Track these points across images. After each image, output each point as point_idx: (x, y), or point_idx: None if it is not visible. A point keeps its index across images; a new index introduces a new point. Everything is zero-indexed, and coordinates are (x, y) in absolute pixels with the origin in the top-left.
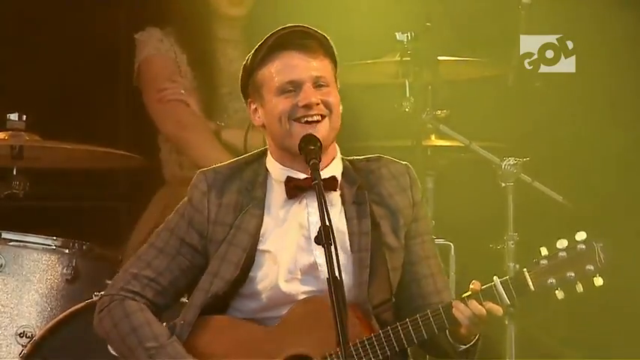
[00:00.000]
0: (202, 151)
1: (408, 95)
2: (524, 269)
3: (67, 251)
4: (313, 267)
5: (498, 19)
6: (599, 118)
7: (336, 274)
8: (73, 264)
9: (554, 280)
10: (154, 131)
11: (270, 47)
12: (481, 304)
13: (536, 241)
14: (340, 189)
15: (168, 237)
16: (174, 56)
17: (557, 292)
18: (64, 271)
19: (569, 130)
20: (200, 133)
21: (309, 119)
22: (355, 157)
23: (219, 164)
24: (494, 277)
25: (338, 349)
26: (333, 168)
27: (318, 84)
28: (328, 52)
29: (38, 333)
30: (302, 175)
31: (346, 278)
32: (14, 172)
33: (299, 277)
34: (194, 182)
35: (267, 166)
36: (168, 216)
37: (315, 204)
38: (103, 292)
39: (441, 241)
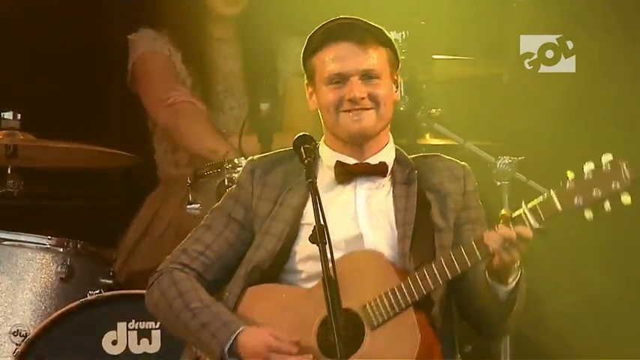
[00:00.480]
0: (201, 139)
1: (402, 94)
2: (551, 190)
3: (61, 250)
4: (358, 238)
5: (493, 17)
6: (596, 118)
7: (331, 273)
8: (67, 263)
9: (581, 200)
10: (147, 130)
11: (323, 36)
12: (511, 229)
13: None
14: (392, 172)
15: (216, 215)
16: (168, 54)
17: (585, 212)
18: (59, 269)
19: (564, 128)
20: (201, 124)
21: (356, 108)
22: (412, 155)
23: (268, 153)
24: (523, 202)
25: (377, 297)
26: (383, 154)
27: (367, 76)
28: (383, 42)
29: (32, 332)
30: (352, 160)
31: (391, 252)
32: (9, 171)
33: (342, 247)
34: (243, 167)
35: (320, 151)
36: (164, 212)
37: (365, 186)
38: (97, 291)
39: None
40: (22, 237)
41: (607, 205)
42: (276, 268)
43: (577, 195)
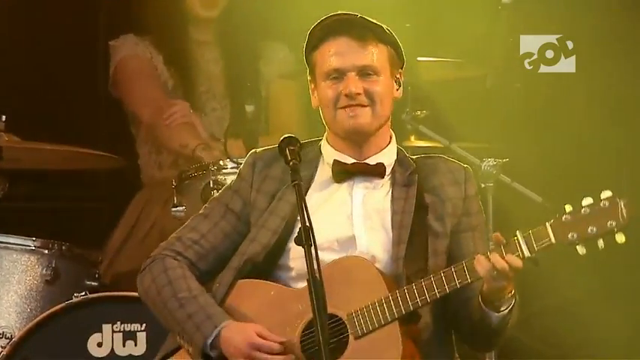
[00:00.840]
0: (173, 135)
1: None
2: (547, 222)
3: (46, 252)
4: (351, 240)
5: (478, 19)
6: (596, 118)
7: (316, 274)
8: (53, 265)
9: (575, 235)
10: (132, 132)
11: (323, 32)
12: (502, 257)
13: None
14: (392, 173)
15: (214, 205)
16: (149, 57)
17: (578, 247)
18: (44, 271)
19: (550, 130)
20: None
21: (352, 104)
22: (417, 156)
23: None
24: (517, 231)
25: (363, 307)
26: (383, 155)
27: (364, 73)
28: (384, 40)
29: (17, 334)
30: (350, 160)
31: (385, 255)
32: None
33: (335, 247)
34: (245, 159)
35: (322, 148)
36: (148, 214)
37: (362, 186)
38: (83, 293)
39: None
40: (7, 239)
41: (600, 243)
42: (269, 263)
43: (572, 230)
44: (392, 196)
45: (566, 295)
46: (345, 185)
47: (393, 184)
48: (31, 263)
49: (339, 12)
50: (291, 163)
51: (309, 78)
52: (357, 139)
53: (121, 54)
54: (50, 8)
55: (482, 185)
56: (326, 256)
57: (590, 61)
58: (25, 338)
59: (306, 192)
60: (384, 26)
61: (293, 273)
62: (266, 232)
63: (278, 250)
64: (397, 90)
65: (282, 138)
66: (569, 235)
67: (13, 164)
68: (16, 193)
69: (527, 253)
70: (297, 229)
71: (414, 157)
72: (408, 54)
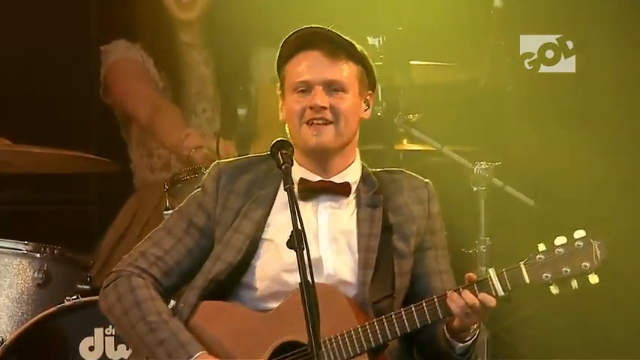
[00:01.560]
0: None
1: (379, 99)
2: (521, 262)
3: (38, 255)
4: (317, 262)
5: (470, 23)
6: (598, 120)
7: (308, 278)
8: (44, 268)
9: (549, 275)
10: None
11: (294, 44)
12: (475, 295)
13: (508, 245)
14: (357, 192)
15: (177, 218)
16: (141, 60)
17: (551, 287)
18: (35, 275)
19: (543, 134)
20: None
21: (316, 122)
22: (376, 169)
23: (236, 157)
24: (490, 269)
25: (332, 337)
26: (347, 173)
27: (331, 88)
28: (355, 58)
29: (9, 338)
30: (315, 177)
31: (351, 277)
32: None
33: None
34: (209, 171)
35: None
36: (140, 217)
37: (327, 205)
38: (74, 296)
39: None
40: None
41: (574, 284)
42: (232, 281)
43: (546, 271)
44: (357, 217)
45: (556, 298)
46: (310, 204)
47: (359, 205)
48: (22, 267)
49: (312, 25)
50: (283, 167)
51: (279, 92)
52: (321, 156)
53: (113, 57)
54: (42, 13)
55: (475, 189)
56: (291, 278)
57: (590, 61)
58: (17, 342)
59: (270, 209)
60: (356, 44)
61: (257, 293)
62: (230, 251)
63: (242, 268)
64: (365, 111)
65: (274, 142)
66: (544, 276)
67: (4, 168)
68: (8, 197)
69: (500, 292)
70: (261, 249)
71: (376, 170)
72: (401, 57)
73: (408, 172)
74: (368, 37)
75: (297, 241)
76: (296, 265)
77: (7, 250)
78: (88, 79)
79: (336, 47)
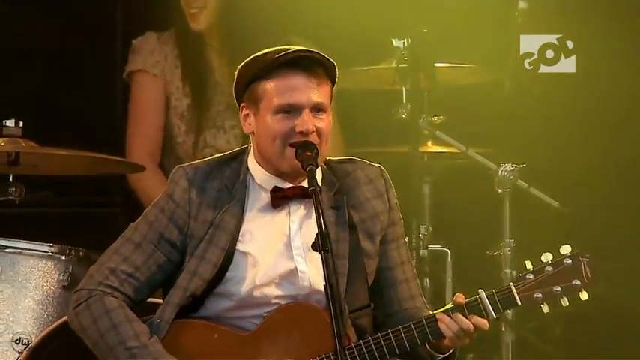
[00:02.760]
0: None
1: (404, 101)
2: (511, 283)
3: (63, 258)
4: (293, 273)
5: (495, 24)
6: (598, 121)
7: (333, 281)
8: (70, 270)
9: (540, 295)
10: None
11: (276, 62)
12: (467, 318)
13: (532, 247)
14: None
15: (146, 231)
16: (164, 82)
17: (542, 306)
18: (61, 277)
19: (566, 136)
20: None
21: (303, 142)
22: (329, 158)
23: (197, 161)
24: (480, 291)
25: (318, 358)
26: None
27: (316, 109)
28: (331, 77)
29: (34, 340)
30: (287, 185)
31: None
32: (10, 179)
33: (276, 281)
34: (174, 177)
35: (249, 167)
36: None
37: (298, 212)
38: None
39: (437, 247)
40: (24, 244)
41: (564, 301)
42: (206, 292)
43: (537, 290)
44: None
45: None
46: (282, 213)
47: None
48: (48, 269)
49: (294, 47)
50: (307, 169)
51: (242, 103)
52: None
53: (138, 64)
54: (67, 12)
55: (500, 191)
56: (269, 291)
57: (590, 61)
58: (42, 344)
59: (242, 219)
60: (334, 63)
61: (230, 304)
62: (207, 266)
63: (217, 279)
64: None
65: (298, 144)
66: (535, 296)
67: (30, 170)
68: (33, 199)
69: (492, 315)
70: (235, 260)
71: (328, 160)
72: (426, 59)
73: (360, 160)
74: (393, 40)
75: (322, 243)
76: (272, 279)
77: (32, 252)
78: (115, 79)
79: (320, 69)
